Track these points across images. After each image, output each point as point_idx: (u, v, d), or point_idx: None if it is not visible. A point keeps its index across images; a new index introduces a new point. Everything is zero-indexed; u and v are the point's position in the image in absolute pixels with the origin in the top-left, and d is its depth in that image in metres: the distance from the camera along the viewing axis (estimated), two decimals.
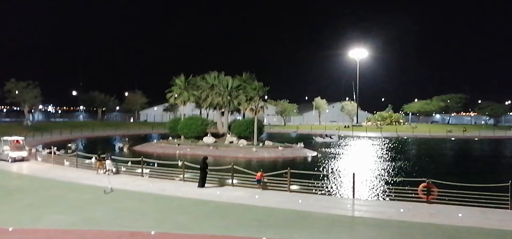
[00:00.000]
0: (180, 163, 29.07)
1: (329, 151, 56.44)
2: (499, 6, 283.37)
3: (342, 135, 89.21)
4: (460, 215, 17.07)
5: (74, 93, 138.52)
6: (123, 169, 29.69)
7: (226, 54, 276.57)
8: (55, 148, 38.67)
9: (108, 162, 28.57)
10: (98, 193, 21.48)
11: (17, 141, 36.45)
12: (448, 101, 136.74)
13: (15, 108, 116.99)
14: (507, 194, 18.18)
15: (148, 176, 27.65)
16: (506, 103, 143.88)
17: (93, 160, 33.30)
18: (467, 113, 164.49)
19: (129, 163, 31.15)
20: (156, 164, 31.45)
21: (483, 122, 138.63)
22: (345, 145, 66.43)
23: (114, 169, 28.36)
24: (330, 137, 78.33)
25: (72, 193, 22.03)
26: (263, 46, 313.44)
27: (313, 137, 78.84)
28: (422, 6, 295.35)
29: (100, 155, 29.98)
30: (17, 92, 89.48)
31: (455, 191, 18.83)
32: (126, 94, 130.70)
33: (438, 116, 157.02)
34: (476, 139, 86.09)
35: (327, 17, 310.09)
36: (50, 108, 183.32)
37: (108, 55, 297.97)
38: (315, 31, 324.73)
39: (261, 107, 55.36)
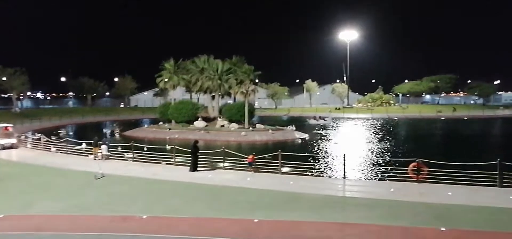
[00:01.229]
0: (169, 147, 29.09)
1: (320, 133, 56.64)
2: None
3: (334, 117, 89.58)
4: (449, 193, 17.27)
5: (63, 79, 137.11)
6: (113, 154, 29.57)
7: (215, 38, 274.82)
8: (40, 135, 38.23)
9: (103, 147, 28.42)
10: (89, 179, 21.38)
11: (6, 128, 36.08)
12: (438, 81, 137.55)
13: (3, 95, 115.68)
14: (496, 172, 18.42)
15: (139, 161, 27.55)
16: (495, 83, 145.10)
17: (83, 145, 33.11)
18: (457, 93, 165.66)
19: (119, 148, 30.95)
20: (145, 148, 31.34)
21: (472, 102, 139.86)
22: (336, 127, 66.72)
23: (107, 154, 28.23)
24: (324, 119, 78.70)
25: (63, 179, 21.93)
26: (253, 29, 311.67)
27: (307, 119, 79.12)
28: None
29: (97, 141, 29.69)
30: (4, 78, 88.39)
31: (444, 170, 19.02)
32: (116, 79, 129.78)
33: (428, 96, 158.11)
34: (466, 119, 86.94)
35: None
36: (39, 95, 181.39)
37: (97, 39, 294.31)
38: (305, 13, 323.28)
39: (252, 90, 55.21)
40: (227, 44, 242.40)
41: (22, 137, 38.93)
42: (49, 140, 36.06)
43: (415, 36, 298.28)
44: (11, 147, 34.45)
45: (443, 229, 12.92)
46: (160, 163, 26.62)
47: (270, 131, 52.06)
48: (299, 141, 47.92)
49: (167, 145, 38.08)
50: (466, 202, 15.93)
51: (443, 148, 43.60)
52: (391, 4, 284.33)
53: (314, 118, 79.92)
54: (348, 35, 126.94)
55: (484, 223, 13.65)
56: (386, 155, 35.12)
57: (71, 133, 60.52)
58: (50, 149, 33.55)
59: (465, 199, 16.42)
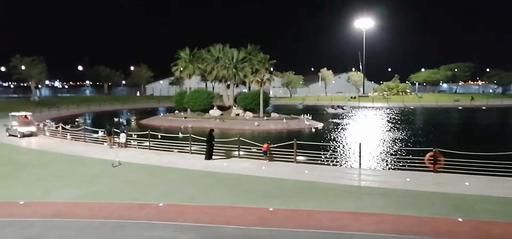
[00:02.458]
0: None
1: (336, 121, 56.41)
2: None
3: (352, 105, 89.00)
4: (466, 183, 17.10)
5: (80, 68, 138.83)
6: (132, 142, 29.92)
7: (230, 27, 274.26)
8: (60, 124, 38.79)
9: (122, 135, 28.74)
10: (106, 167, 21.71)
11: (26, 116, 36.77)
12: (456, 70, 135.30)
13: (22, 84, 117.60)
14: None
15: (155, 149, 27.82)
16: None
17: (100, 134, 33.61)
18: (475, 82, 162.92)
19: (134, 136, 31.10)
20: (159, 136, 31.61)
21: (491, 91, 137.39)
22: (351, 116, 66.33)
23: (125, 142, 28.54)
24: (342, 108, 78.28)
25: (81, 167, 22.30)
26: (269, 17, 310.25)
27: (325, 108, 78.84)
28: None
29: (110, 129, 29.95)
30: (23, 67, 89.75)
31: (461, 160, 18.80)
32: (132, 68, 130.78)
33: (445, 85, 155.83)
34: (484, 108, 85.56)
35: None
36: (57, 84, 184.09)
37: (114, 29, 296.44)
38: (320, 1, 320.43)
39: (267, 79, 55.19)
40: (242, 33, 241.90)
41: (41, 125, 39.59)
42: (65, 128, 36.59)
43: (432, 23, 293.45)
44: (30, 135, 35.10)
45: (460, 219, 12.82)
46: (174, 151, 26.86)
47: (284, 120, 51.99)
48: (314, 130, 47.78)
49: (179, 133, 38.46)
50: (484, 193, 15.76)
51: (460, 137, 43.05)
52: None
53: (332, 107, 79.49)
54: (364, 23, 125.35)
55: (501, 214, 13.49)
56: (402, 145, 34.82)
57: (89, 121, 61.35)
58: (71, 137, 34.07)
59: (482, 189, 16.24)
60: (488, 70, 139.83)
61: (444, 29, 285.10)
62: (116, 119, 56.44)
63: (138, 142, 30.36)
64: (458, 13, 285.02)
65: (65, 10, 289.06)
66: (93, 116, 71.46)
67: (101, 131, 34.01)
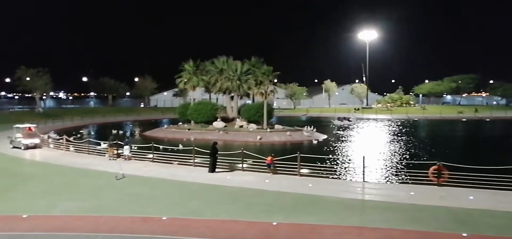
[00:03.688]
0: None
1: (340, 134, 56.32)
2: None
3: (358, 117, 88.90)
4: (471, 197, 17.01)
5: (84, 79, 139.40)
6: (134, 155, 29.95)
7: (234, 39, 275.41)
8: (64, 135, 38.89)
9: (126, 147, 28.82)
10: (110, 179, 21.74)
11: (30, 128, 36.88)
12: (459, 81, 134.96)
13: (26, 95, 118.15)
14: None
15: (159, 161, 27.83)
16: None
17: (103, 145, 33.78)
18: (479, 94, 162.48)
19: (134, 147, 30.74)
20: (161, 147, 31.62)
21: (495, 103, 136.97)
22: (356, 128, 66.22)
23: (129, 155, 28.59)
24: (348, 120, 78.26)
25: (85, 179, 22.33)
26: (272, 29, 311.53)
27: (332, 120, 78.87)
28: None
29: (112, 141, 30.10)
30: (28, 79, 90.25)
31: (466, 173, 18.71)
32: (136, 79, 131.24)
33: (449, 97, 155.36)
34: (488, 120, 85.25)
35: None
36: (61, 95, 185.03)
37: (118, 40, 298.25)
38: (324, 13, 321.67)
39: (271, 91, 55.21)
40: (246, 44, 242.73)
41: (45, 137, 39.71)
42: (69, 140, 36.66)
43: (436, 35, 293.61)
44: (34, 147, 35.17)
45: (464, 234, 12.75)
46: (177, 163, 26.87)
47: (288, 132, 51.92)
48: (318, 142, 47.66)
49: (180, 145, 38.61)
50: (488, 207, 15.67)
51: (464, 150, 42.87)
52: (410, 4, 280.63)
53: (338, 118, 79.44)
54: (368, 35, 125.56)
55: (508, 228, 13.42)
56: (406, 158, 34.71)
57: (93, 133, 61.48)
58: (75, 149, 34.14)
59: (487, 203, 16.15)
60: (491, 81, 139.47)
61: (448, 40, 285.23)
62: (115, 131, 56.54)
63: (141, 154, 30.34)
64: (461, 25, 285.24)
65: (70, 21, 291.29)
66: (97, 127, 71.57)
67: (103, 143, 34.18)
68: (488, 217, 14.58)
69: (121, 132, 56.87)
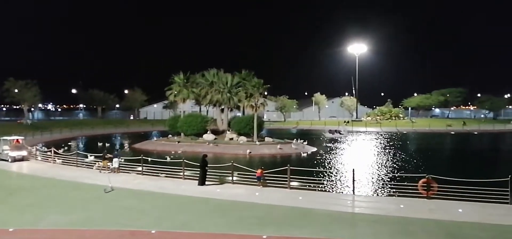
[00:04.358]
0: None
1: (330, 146, 56.46)
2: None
3: (349, 130, 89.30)
4: (460, 210, 17.09)
5: (73, 91, 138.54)
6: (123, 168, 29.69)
7: (223, 52, 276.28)
8: (52, 148, 38.47)
9: (115, 160, 28.57)
10: (99, 192, 21.48)
11: (17, 140, 36.43)
12: (448, 95, 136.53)
13: (14, 106, 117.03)
14: (507, 189, 18.19)
15: (148, 174, 27.62)
16: (506, 96, 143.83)
17: (90, 158, 33.65)
18: (467, 107, 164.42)
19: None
20: (149, 159, 31.44)
21: (482, 116, 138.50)
22: (345, 141, 66.46)
23: (117, 167, 28.34)
24: (340, 132, 78.58)
25: (73, 192, 22.04)
26: (262, 42, 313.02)
27: (323, 133, 79.19)
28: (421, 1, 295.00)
29: (106, 154, 29.90)
30: (16, 90, 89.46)
31: (455, 186, 18.82)
32: (126, 91, 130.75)
33: (437, 110, 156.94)
34: (476, 133, 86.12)
35: (327, 12, 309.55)
36: (50, 107, 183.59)
37: (108, 53, 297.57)
38: (314, 26, 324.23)
39: (261, 103, 55.30)
40: (236, 58, 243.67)
41: (33, 150, 39.24)
42: (57, 153, 36.27)
43: (425, 49, 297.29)
44: (22, 159, 34.71)
45: None
46: (164, 176, 26.70)
47: (278, 145, 51.90)
48: (308, 155, 47.68)
49: (167, 157, 38.38)
50: (477, 220, 15.74)
51: (453, 163, 43.20)
52: (400, 18, 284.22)
53: (330, 131, 79.79)
54: (357, 48, 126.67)
55: None
56: (395, 170, 34.85)
57: (81, 145, 60.93)
58: (63, 162, 33.76)
59: (475, 216, 16.23)
60: (479, 95, 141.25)
61: (436, 54, 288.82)
62: (100, 144, 56.26)
63: (130, 167, 30.09)
64: (450, 39, 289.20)
65: (58, 33, 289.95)
66: (86, 140, 70.96)
67: (90, 155, 33.99)
68: (478, 230, 14.64)
69: (107, 144, 56.23)
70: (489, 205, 17.73)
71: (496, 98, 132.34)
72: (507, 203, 17.95)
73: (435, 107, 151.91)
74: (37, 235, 14.56)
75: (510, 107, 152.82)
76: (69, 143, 58.70)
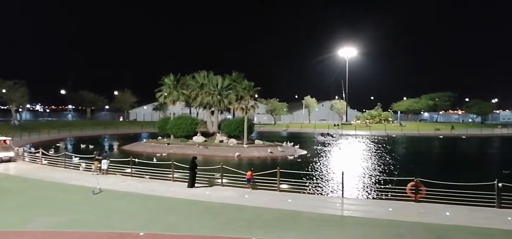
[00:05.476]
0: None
1: (320, 149, 56.64)
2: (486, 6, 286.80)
3: (340, 133, 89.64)
4: (447, 213, 17.25)
5: (62, 92, 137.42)
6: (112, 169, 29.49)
7: (214, 54, 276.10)
8: (41, 149, 38.09)
9: (104, 161, 28.36)
10: (87, 194, 21.32)
11: (4, 141, 36.00)
12: (437, 99, 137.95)
13: (2, 107, 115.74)
14: (494, 192, 18.43)
15: (137, 176, 27.47)
16: (493, 101, 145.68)
17: (74, 159, 33.50)
18: (455, 111, 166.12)
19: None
20: (136, 160, 31.29)
21: (470, 120, 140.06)
22: (335, 144, 66.71)
23: (106, 168, 28.15)
24: (332, 136, 78.84)
25: (61, 194, 21.85)
26: (253, 45, 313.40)
27: (315, 136, 79.44)
28: (411, 5, 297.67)
29: (97, 155, 29.68)
30: (4, 91, 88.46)
31: (443, 189, 19.01)
32: (116, 93, 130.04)
33: (426, 114, 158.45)
34: (464, 137, 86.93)
35: (317, 16, 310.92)
36: (38, 107, 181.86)
37: (97, 53, 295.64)
38: (304, 30, 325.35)
39: (252, 106, 55.32)
40: (226, 60, 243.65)
41: (20, 151, 38.82)
42: (45, 154, 35.92)
43: (414, 53, 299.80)
44: (9, 160, 34.33)
45: None
46: (149, 177, 26.56)
47: (269, 148, 51.96)
48: (297, 157, 47.79)
49: (154, 158, 38.38)
50: (464, 223, 15.91)
51: (441, 167, 43.57)
52: (389, 22, 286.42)
53: (322, 134, 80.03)
54: (347, 52, 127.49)
55: None
56: (384, 174, 35.07)
57: (70, 146, 60.43)
58: (51, 163, 33.44)
59: (463, 219, 16.39)
60: (467, 100, 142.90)
61: (426, 59, 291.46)
62: (83, 146, 56.01)
63: (119, 169, 29.90)
64: (439, 44, 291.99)
65: (49, 34, 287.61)
66: (74, 141, 70.35)
67: (75, 156, 33.79)
68: (465, 233, 14.80)
69: (91, 146, 55.74)
70: (476, 209, 17.92)
71: (483, 103, 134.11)
72: (493, 206, 18.17)
73: (424, 111, 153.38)
74: (25, 237, 14.41)
75: (497, 111, 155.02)
76: (57, 144, 58.17)
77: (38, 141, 61.35)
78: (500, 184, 18.42)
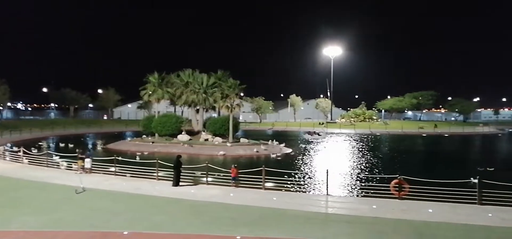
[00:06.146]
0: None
1: (305, 147, 56.89)
2: (468, 7, 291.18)
3: (327, 132, 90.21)
4: (430, 210, 17.48)
5: (44, 90, 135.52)
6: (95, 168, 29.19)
7: (199, 52, 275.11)
8: (22, 148, 37.50)
9: (87, 160, 28.04)
10: (70, 193, 21.05)
11: None
12: (420, 98, 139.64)
13: None
14: (475, 189, 18.76)
15: (122, 175, 27.23)
16: (475, 100, 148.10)
17: (55, 158, 33.21)
18: (438, 110, 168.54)
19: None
20: (120, 157, 31.00)
21: (453, 119, 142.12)
22: (320, 143, 67.07)
23: (90, 167, 27.85)
24: (319, 134, 79.31)
25: (43, 193, 21.56)
26: (238, 42, 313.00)
27: (302, 134, 79.93)
28: (394, 4, 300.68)
29: (80, 154, 29.33)
30: None
31: (426, 187, 19.25)
32: (100, 91, 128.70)
33: (410, 112, 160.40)
34: (446, 135, 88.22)
35: (302, 15, 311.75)
36: (20, 106, 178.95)
37: (81, 51, 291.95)
38: (290, 29, 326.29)
39: (237, 104, 55.27)
40: (212, 58, 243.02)
41: (1, 149, 38.18)
42: (27, 152, 35.40)
43: (398, 53, 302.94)
44: None
45: None
46: (136, 176, 26.38)
47: (254, 147, 51.96)
48: (283, 156, 47.89)
49: (137, 156, 38.08)
50: (446, 220, 16.14)
51: (424, 164, 44.15)
52: (373, 22, 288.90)
53: (309, 133, 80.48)
54: (332, 51, 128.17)
55: None
56: (368, 171, 35.39)
57: (52, 145, 59.63)
58: (33, 162, 32.93)
59: (445, 216, 16.63)
60: (450, 98, 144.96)
61: (409, 58, 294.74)
62: (62, 144, 55.47)
63: (103, 168, 29.61)
64: (422, 43, 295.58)
65: (31, 31, 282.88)
66: (57, 139, 69.42)
67: (55, 155, 33.57)
68: (446, 230, 15.01)
69: (70, 145, 55.11)
70: (458, 205, 18.20)
71: (466, 102, 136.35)
72: (475, 203, 18.47)
73: (407, 110, 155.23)
74: (6, 237, 14.17)
75: (479, 110, 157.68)
76: (39, 143, 57.34)
77: (19, 140, 60.42)
78: (476, 181, 18.79)
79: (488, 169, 34.70)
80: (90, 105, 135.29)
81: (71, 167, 29.24)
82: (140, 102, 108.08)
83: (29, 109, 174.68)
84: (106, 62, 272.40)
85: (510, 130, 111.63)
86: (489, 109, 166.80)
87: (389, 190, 20.41)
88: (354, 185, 28.88)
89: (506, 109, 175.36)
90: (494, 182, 19.28)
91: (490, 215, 16.82)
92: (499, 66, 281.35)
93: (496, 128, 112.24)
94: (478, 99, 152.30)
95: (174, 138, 55.72)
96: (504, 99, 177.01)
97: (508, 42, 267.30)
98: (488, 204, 18.31)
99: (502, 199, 18.14)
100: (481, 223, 15.70)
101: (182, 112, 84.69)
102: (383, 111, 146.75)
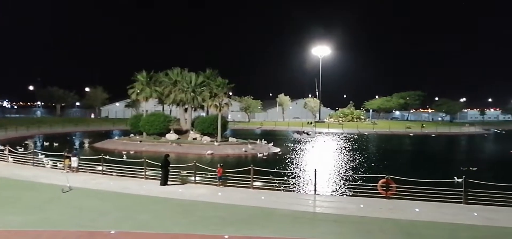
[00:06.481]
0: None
1: (293, 147, 57.02)
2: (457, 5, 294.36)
3: (317, 131, 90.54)
4: (417, 210, 17.65)
5: (31, 88, 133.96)
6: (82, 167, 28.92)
7: (188, 51, 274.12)
8: (8, 146, 36.99)
9: (74, 159, 27.73)
10: (56, 192, 20.84)
11: None
12: (407, 98, 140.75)
13: None
14: (461, 189, 18.99)
15: (109, 174, 27.02)
16: (461, 100, 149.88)
17: (40, 156, 32.87)
18: (425, 110, 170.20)
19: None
20: (107, 156, 30.78)
21: (440, 119, 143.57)
22: (308, 142, 67.26)
23: (76, 166, 27.56)
24: (308, 133, 79.50)
25: (29, 192, 21.30)
26: (227, 42, 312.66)
27: (292, 134, 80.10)
28: (384, 5, 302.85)
29: (68, 153, 29.01)
30: None
31: (412, 186, 19.46)
32: (87, 89, 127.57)
33: (397, 112, 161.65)
34: (433, 135, 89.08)
35: (291, 14, 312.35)
36: (5, 104, 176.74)
37: (68, 49, 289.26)
38: (279, 28, 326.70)
39: (226, 103, 55.13)
40: (200, 58, 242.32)
41: None
42: (13, 151, 34.92)
43: (385, 53, 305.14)
44: None
45: None
46: (122, 175, 26.20)
47: (243, 147, 51.88)
48: (271, 155, 47.94)
49: (124, 156, 37.82)
50: (432, 219, 16.32)
51: (411, 164, 44.52)
52: (361, 21, 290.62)
53: (298, 132, 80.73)
54: (321, 51, 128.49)
55: None
56: (356, 171, 35.58)
57: (39, 144, 58.96)
58: (18, 161, 32.49)
59: (431, 215, 16.81)
60: (437, 98, 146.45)
61: (397, 58, 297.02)
62: (46, 143, 55.08)
63: (90, 166, 29.34)
64: (409, 43, 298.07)
65: (17, 29, 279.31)
66: (43, 138, 68.64)
67: (41, 154, 33.29)
68: (432, 229, 15.17)
69: (55, 144, 54.54)
70: (444, 205, 18.41)
71: (452, 102, 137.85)
72: (460, 202, 18.70)
73: (395, 110, 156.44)
74: None
75: (465, 110, 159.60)
76: (25, 142, 56.62)
77: (5, 138, 59.60)
78: (460, 180, 19.04)
79: (471, 168, 35.13)
80: (77, 104, 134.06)
81: (56, 165, 28.90)
82: (128, 100, 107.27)
83: (15, 107, 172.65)
84: (93, 60, 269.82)
85: (496, 130, 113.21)
86: (475, 109, 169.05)
87: (377, 190, 20.56)
88: (342, 184, 29.01)
89: (492, 110, 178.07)
90: (479, 182, 19.56)
91: (475, 214, 17.04)
92: (484, 65, 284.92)
93: (482, 128, 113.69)
94: (464, 99, 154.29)
95: (162, 137, 55.39)
96: (490, 100, 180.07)
97: (494, 41, 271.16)
98: (474, 203, 18.56)
99: (487, 198, 18.40)
100: (467, 222, 15.91)
101: (171, 111, 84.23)
102: (371, 111, 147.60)
